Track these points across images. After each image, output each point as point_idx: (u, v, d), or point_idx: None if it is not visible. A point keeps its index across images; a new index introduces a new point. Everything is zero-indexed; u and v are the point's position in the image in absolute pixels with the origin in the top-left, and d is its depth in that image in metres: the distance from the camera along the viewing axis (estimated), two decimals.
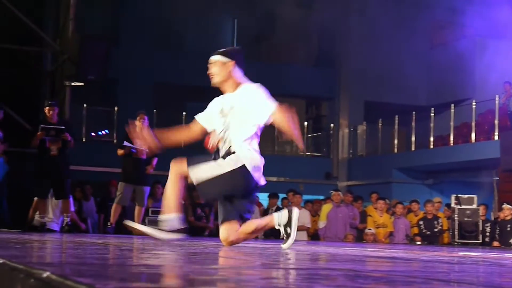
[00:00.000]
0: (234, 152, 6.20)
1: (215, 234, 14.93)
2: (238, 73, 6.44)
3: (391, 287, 2.47)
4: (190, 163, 6.19)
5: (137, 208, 12.32)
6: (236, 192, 6.29)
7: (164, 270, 2.98)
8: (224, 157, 6.19)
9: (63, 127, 11.92)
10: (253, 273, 3.14)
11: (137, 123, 12.12)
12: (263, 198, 18.10)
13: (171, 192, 6.33)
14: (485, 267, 4.84)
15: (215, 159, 6.22)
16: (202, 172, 6.13)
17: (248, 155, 6.21)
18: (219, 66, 6.38)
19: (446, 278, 3.29)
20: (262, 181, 6.38)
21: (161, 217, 6.37)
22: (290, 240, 6.43)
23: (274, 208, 15.95)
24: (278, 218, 6.43)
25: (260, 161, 6.32)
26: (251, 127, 6.27)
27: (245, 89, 6.39)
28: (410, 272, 3.70)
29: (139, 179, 12.18)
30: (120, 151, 12.14)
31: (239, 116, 6.29)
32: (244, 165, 6.17)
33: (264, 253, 5.61)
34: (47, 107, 11.98)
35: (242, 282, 2.56)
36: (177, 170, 6.27)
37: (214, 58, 6.41)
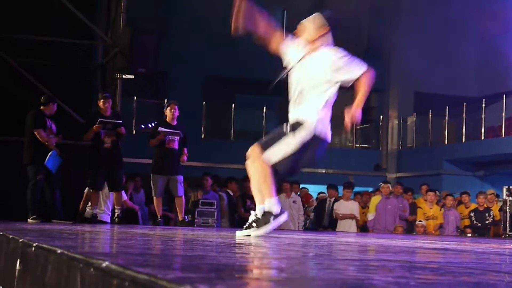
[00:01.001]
0: (302, 124, 6.20)
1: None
2: (328, 40, 6.51)
3: (452, 278, 2.47)
4: (264, 147, 6.19)
5: (177, 199, 12.33)
6: (310, 162, 6.43)
7: (216, 261, 3.01)
8: (293, 129, 6.19)
9: (120, 121, 12.04)
10: (312, 264, 3.16)
11: (168, 112, 12.21)
12: (313, 190, 18.15)
13: (259, 180, 6.30)
14: None
15: (284, 131, 6.19)
16: (274, 155, 6.17)
17: (317, 122, 6.24)
18: (313, 25, 6.50)
19: (502, 269, 3.28)
20: (329, 138, 6.40)
21: (259, 207, 6.31)
22: (244, 232, 6.27)
23: (332, 199, 16.01)
24: (266, 206, 6.28)
25: (328, 121, 6.35)
26: (324, 93, 6.33)
27: (326, 53, 6.41)
28: (465, 263, 3.69)
29: (171, 169, 12.17)
30: (153, 141, 12.16)
31: (313, 82, 6.34)
32: (314, 135, 6.19)
33: (316, 244, 5.62)
34: (102, 100, 12.09)
35: (299, 273, 2.58)
36: (254, 157, 6.24)
37: (313, 17, 6.51)
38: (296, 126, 6.21)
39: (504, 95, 21.12)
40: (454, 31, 24.17)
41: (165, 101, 21.75)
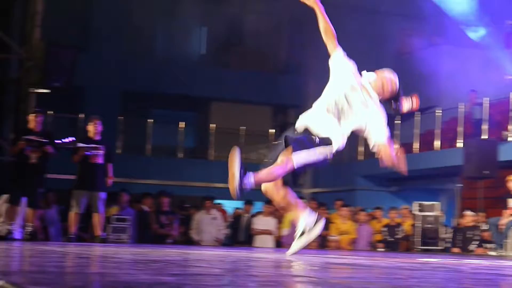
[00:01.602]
0: (332, 143, 6.66)
1: (179, 242, 15.01)
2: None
3: None
4: (295, 148, 6.55)
5: (96, 215, 12.26)
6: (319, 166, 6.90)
7: (117, 278, 3.05)
8: (323, 144, 6.63)
9: (47, 140, 11.91)
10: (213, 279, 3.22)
11: (91, 128, 12.18)
12: (229, 205, 18.22)
13: (284, 196, 6.85)
14: (443, 273, 4.96)
15: (314, 139, 6.63)
16: (301, 158, 6.53)
17: (341, 146, 6.77)
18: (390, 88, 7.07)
19: (404, 284, 3.39)
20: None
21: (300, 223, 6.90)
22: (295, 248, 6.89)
23: (248, 215, 16.17)
24: (306, 220, 6.89)
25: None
26: (351, 125, 6.83)
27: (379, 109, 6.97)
28: (368, 278, 3.80)
29: (95, 185, 12.11)
30: (75, 157, 12.09)
31: (354, 112, 6.84)
32: (334, 151, 6.72)
33: (228, 260, 5.69)
34: (32, 115, 12.01)
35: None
36: (282, 157, 6.58)
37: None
38: (326, 141, 6.66)
39: (418, 112, 21.57)
40: (371, 48, 24.59)
41: (81, 115, 21.72)
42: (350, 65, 6.98)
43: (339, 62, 6.97)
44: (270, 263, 5.62)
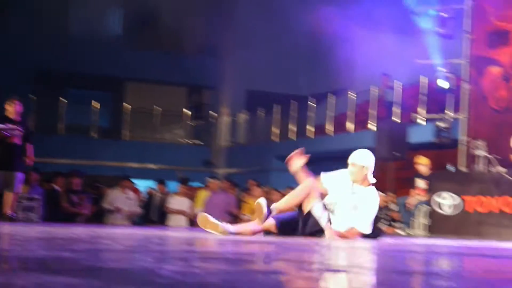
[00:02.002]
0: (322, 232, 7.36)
1: (90, 220, 14.88)
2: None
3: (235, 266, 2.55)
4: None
5: (6, 194, 12.06)
6: None
7: (13, 254, 3.01)
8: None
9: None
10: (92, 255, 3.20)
11: (9, 108, 11.97)
12: (142, 185, 18.13)
13: None
14: (344, 251, 5.03)
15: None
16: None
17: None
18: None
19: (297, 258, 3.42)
20: None
21: None
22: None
23: (161, 195, 16.13)
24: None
25: None
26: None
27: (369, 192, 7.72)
28: (258, 254, 3.83)
29: (12, 165, 11.93)
30: None
31: (348, 211, 7.61)
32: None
33: (134, 238, 5.66)
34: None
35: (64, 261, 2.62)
36: None
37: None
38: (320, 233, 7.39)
39: (332, 94, 21.79)
40: (285, 30, 24.69)
41: None
42: None
43: None
44: (176, 241, 5.62)
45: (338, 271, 2.75)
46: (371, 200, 7.62)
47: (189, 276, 2.21)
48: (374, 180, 7.67)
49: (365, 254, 4.47)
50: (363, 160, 7.68)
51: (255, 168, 22.64)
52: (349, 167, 7.71)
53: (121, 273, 2.31)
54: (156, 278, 2.15)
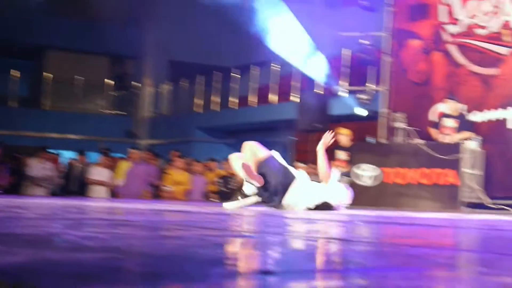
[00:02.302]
0: None
1: (8, 191, 14.64)
2: None
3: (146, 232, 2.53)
4: None
5: None
6: None
7: None
8: None
9: None
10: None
11: None
12: (63, 156, 17.90)
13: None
14: (253, 218, 5.04)
15: None
16: None
17: None
18: None
19: (211, 226, 3.42)
20: None
21: None
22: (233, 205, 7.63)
23: (82, 165, 15.92)
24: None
25: None
26: None
27: None
28: (171, 222, 3.81)
29: None
30: None
31: None
32: None
33: (49, 207, 5.57)
34: None
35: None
36: None
37: None
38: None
39: (255, 66, 21.80)
40: (208, 2, 24.54)
41: None
42: None
43: None
44: (91, 210, 5.55)
45: (244, 236, 2.75)
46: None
47: (94, 241, 2.17)
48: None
49: (282, 221, 4.48)
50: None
51: (178, 139, 22.56)
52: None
53: (26, 238, 2.26)
54: (60, 243, 2.11)
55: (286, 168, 7.86)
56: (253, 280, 1.42)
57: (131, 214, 4.91)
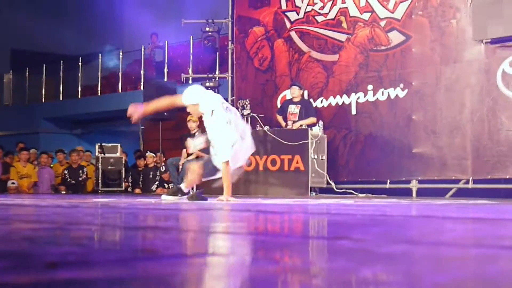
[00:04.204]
0: None
1: None
2: None
3: None
4: None
5: None
6: None
7: None
8: None
9: None
10: None
11: None
12: None
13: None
14: (107, 209, 5.02)
15: None
16: None
17: None
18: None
19: (36, 219, 3.38)
20: None
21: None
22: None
23: None
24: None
25: None
26: None
27: None
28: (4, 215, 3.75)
29: None
30: None
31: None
32: None
33: None
34: None
35: None
36: None
37: None
38: None
39: (100, 54, 21.52)
40: None
41: None
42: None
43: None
44: None
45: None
46: (214, 127, 7.70)
47: None
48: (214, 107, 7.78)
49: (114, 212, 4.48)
50: (189, 99, 7.71)
51: (24, 131, 22.02)
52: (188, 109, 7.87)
53: None
54: None
55: None
56: None
57: None
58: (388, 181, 11.84)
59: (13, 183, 15.03)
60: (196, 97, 7.78)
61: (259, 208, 5.49)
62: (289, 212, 4.90)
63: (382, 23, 12.14)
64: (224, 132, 7.67)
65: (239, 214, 4.57)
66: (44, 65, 22.55)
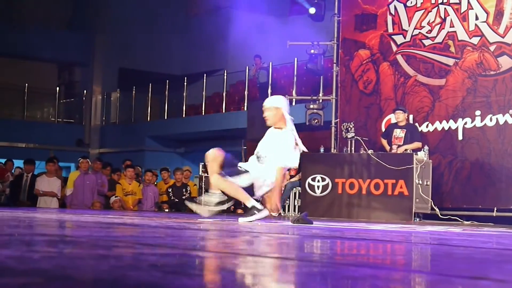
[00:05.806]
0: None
1: None
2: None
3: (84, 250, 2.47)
4: None
5: None
6: None
7: None
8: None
9: None
10: None
11: None
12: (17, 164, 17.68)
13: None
14: (203, 232, 5.03)
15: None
16: None
17: None
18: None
19: (155, 242, 3.39)
20: None
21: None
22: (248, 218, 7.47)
23: (29, 175, 15.62)
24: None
25: None
26: None
27: None
28: (121, 237, 3.78)
29: None
30: None
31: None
32: None
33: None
34: None
35: None
36: None
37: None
38: None
39: (205, 74, 21.78)
40: (160, 10, 24.51)
41: None
42: None
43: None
44: (34, 223, 5.47)
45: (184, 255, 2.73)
46: (283, 137, 7.61)
47: (20, 261, 2.11)
48: (291, 118, 7.70)
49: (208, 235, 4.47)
50: (274, 102, 7.69)
51: (130, 148, 22.44)
52: (264, 113, 7.69)
53: None
54: None
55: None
56: None
57: (75, 228, 4.86)
58: (495, 209, 11.56)
59: (116, 196, 15.27)
60: (281, 102, 7.76)
61: (374, 236, 5.38)
62: (406, 242, 4.79)
63: (492, 48, 11.91)
64: (286, 142, 7.62)
65: (365, 243, 4.44)
66: (150, 84, 22.95)
